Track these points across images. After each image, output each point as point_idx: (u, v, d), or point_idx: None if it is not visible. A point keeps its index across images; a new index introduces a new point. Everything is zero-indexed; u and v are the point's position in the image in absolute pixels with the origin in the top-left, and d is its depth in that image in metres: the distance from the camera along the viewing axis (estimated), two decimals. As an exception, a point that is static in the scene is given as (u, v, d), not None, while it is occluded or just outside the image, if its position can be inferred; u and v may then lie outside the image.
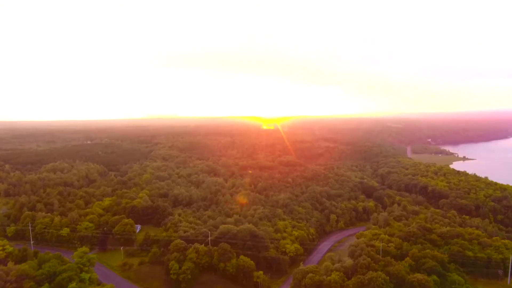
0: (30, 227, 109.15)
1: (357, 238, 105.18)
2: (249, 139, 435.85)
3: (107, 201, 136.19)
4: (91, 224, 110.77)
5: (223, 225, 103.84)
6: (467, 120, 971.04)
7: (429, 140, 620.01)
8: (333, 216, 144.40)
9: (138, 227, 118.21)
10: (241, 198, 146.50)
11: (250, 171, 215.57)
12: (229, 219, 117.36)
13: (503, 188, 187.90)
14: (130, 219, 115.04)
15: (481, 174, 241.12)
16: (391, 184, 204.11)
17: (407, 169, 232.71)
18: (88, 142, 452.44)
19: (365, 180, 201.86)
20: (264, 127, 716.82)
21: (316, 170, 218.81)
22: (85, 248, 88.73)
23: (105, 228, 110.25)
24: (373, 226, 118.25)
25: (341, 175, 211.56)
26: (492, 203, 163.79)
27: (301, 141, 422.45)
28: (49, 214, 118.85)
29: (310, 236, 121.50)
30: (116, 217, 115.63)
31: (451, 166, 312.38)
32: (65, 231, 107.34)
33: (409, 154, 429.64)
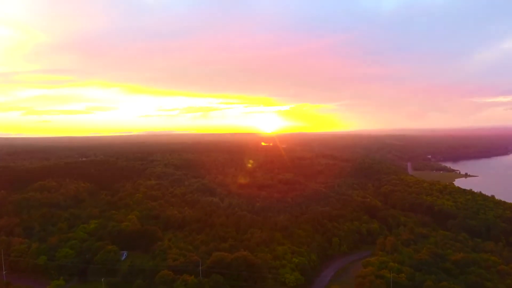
0: (2, 255, 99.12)
1: (364, 267, 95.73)
2: (248, 156, 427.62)
3: (92, 224, 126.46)
4: (71, 251, 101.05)
5: (216, 253, 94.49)
6: (466, 136, 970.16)
7: (429, 156, 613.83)
8: (335, 239, 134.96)
9: (124, 253, 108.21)
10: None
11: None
12: (223, 245, 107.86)
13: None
14: (114, 245, 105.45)
15: (486, 192, 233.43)
16: (395, 204, 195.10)
17: (410, 187, 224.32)
18: (83, 159, 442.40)
19: (368, 200, 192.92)
20: (263, 143, 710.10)
21: (317, 189, 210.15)
22: (60, 281, 79.23)
23: (86, 256, 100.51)
24: (380, 252, 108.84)
25: (342, 194, 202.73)
26: (503, 224, 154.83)
27: (300, 157, 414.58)
28: (26, 239, 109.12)
29: (312, 263, 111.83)
30: (100, 243, 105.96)
31: (454, 183, 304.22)
32: (41, 259, 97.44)
33: (410, 171, 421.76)
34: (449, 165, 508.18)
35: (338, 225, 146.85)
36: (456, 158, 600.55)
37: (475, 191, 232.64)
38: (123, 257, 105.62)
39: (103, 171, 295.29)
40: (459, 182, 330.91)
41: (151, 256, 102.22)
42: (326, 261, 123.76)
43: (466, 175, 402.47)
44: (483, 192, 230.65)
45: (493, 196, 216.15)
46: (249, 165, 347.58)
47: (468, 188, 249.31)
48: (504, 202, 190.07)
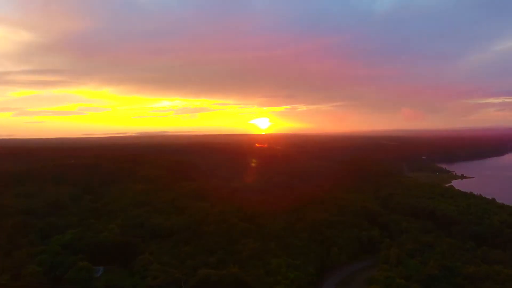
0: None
1: (368, 285, 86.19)
2: (242, 158, 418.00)
3: (68, 235, 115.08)
4: (39, 268, 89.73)
5: (202, 270, 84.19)
6: (459, 137, 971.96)
7: (424, 157, 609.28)
8: (334, 249, 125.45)
9: (100, 269, 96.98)
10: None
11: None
12: (211, 259, 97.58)
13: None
14: (90, 260, 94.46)
15: (484, 194, 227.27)
16: (395, 208, 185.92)
17: (410, 190, 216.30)
18: (72, 161, 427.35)
19: (367, 204, 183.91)
20: (257, 145, 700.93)
21: (313, 193, 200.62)
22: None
23: (56, 273, 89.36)
24: (384, 266, 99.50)
25: (340, 198, 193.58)
26: (509, 230, 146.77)
27: (295, 159, 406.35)
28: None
29: (309, 277, 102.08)
30: (73, 257, 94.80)
31: (448, 185, 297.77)
32: (4, 278, 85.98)
33: (406, 172, 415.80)
34: (444, 166, 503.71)
35: (336, 233, 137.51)
36: (450, 159, 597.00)
37: (474, 193, 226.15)
38: (99, 274, 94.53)
39: (91, 174, 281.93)
40: (456, 184, 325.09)
41: (129, 273, 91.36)
42: (324, 273, 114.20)
43: (462, 176, 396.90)
44: (482, 195, 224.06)
45: (493, 199, 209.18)
46: (243, 168, 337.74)
47: (465, 189, 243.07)
48: (508, 206, 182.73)
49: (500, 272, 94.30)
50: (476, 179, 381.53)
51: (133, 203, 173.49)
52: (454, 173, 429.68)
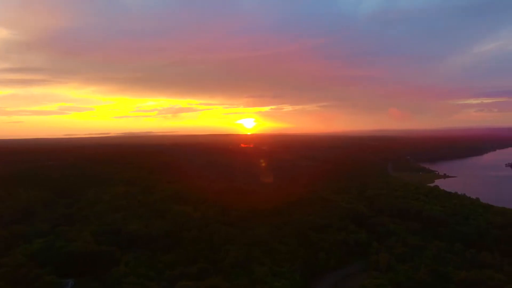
0: None
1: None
2: (227, 158, 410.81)
3: (36, 245, 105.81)
4: (0, 283, 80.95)
5: (181, 283, 77.52)
6: (441, 137, 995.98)
7: (408, 157, 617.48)
8: (321, 254, 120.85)
9: (70, 283, 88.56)
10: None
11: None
12: (192, 269, 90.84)
13: (501, 211, 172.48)
14: (58, 272, 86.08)
15: (467, 194, 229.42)
16: (382, 209, 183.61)
17: (396, 190, 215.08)
18: (50, 162, 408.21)
19: (354, 205, 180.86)
20: (243, 145, 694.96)
21: (300, 194, 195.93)
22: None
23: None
24: (373, 272, 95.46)
25: (326, 199, 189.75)
26: (495, 231, 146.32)
27: (281, 159, 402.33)
28: None
29: (296, 285, 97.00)
30: (37, 270, 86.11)
31: (431, 184, 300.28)
32: (-44, 297, 76.91)
33: (391, 172, 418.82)
34: (427, 165, 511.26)
35: (324, 237, 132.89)
36: (433, 159, 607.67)
37: (458, 193, 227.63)
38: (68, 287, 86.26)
39: (67, 177, 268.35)
40: (439, 183, 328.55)
41: (102, 287, 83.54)
42: (311, 280, 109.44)
43: (444, 176, 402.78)
44: (466, 194, 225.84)
45: (478, 199, 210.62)
46: (228, 168, 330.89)
47: (449, 189, 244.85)
48: (492, 206, 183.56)
49: (492, 277, 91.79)
50: (458, 179, 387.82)
51: (110, 207, 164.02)
52: (437, 172, 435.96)
